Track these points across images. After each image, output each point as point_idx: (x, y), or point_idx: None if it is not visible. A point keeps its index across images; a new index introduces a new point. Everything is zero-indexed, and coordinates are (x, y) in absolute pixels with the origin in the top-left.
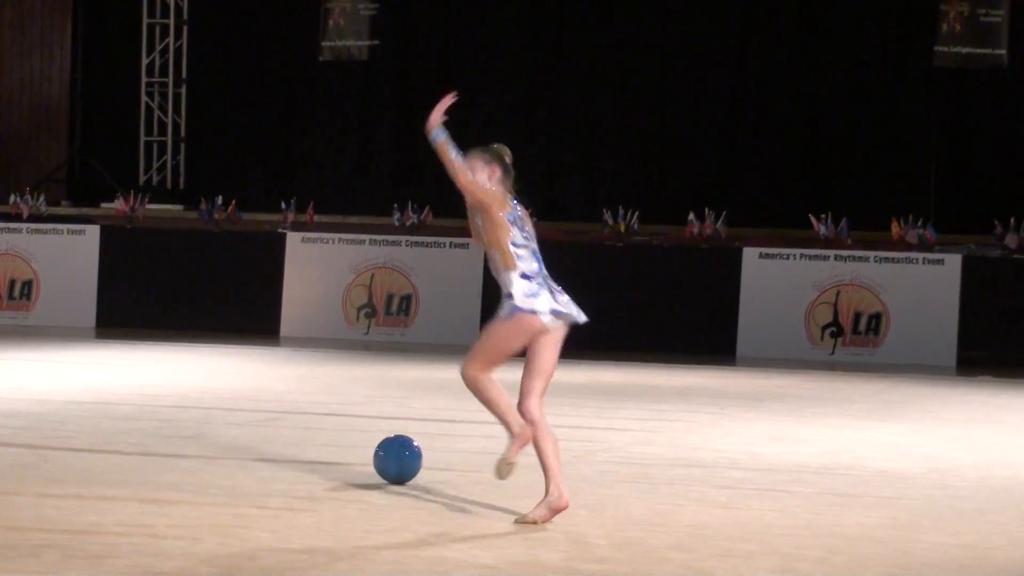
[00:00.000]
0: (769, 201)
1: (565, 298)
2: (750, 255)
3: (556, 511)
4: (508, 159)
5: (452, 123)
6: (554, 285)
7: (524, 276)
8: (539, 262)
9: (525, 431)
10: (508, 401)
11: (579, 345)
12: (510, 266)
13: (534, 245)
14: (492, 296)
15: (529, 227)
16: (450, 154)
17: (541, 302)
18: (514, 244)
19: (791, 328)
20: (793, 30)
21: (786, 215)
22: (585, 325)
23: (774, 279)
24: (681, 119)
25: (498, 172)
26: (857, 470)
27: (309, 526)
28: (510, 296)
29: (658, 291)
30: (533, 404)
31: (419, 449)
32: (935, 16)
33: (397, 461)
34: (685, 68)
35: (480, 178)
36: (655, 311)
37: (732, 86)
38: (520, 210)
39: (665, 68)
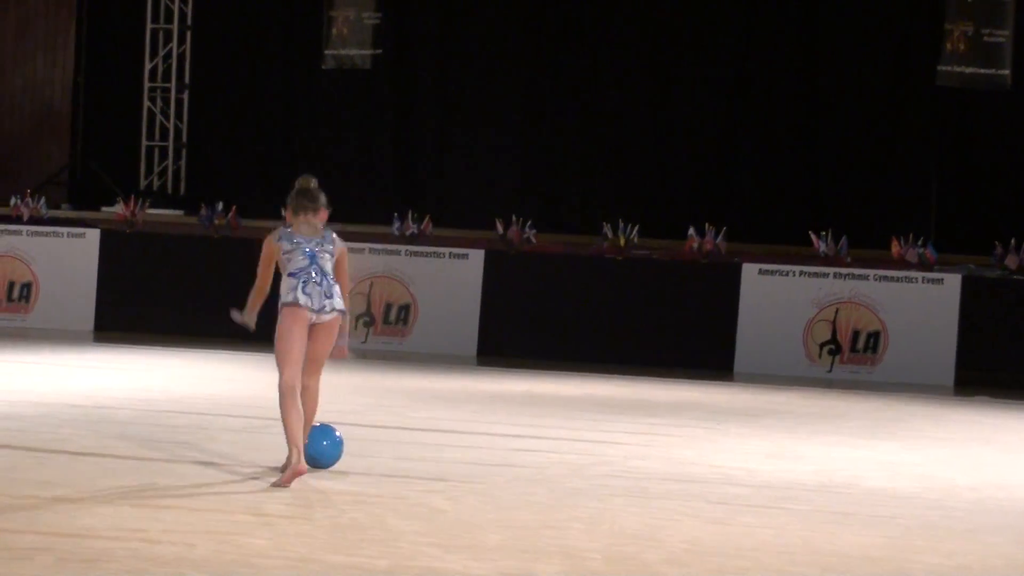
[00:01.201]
0: (769, 217)
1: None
2: (749, 271)
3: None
4: (298, 190)
5: (452, 130)
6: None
7: (291, 275)
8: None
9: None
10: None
11: (576, 358)
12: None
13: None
14: (491, 306)
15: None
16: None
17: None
18: (284, 252)
19: (789, 345)
20: (795, 46)
21: (786, 232)
22: (583, 338)
23: (773, 295)
24: (682, 134)
25: (289, 211)
26: (853, 488)
27: (304, 534)
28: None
29: (656, 305)
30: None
31: (339, 438)
32: (939, 35)
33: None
34: (687, 83)
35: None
36: (653, 325)
37: (734, 102)
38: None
39: (667, 83)
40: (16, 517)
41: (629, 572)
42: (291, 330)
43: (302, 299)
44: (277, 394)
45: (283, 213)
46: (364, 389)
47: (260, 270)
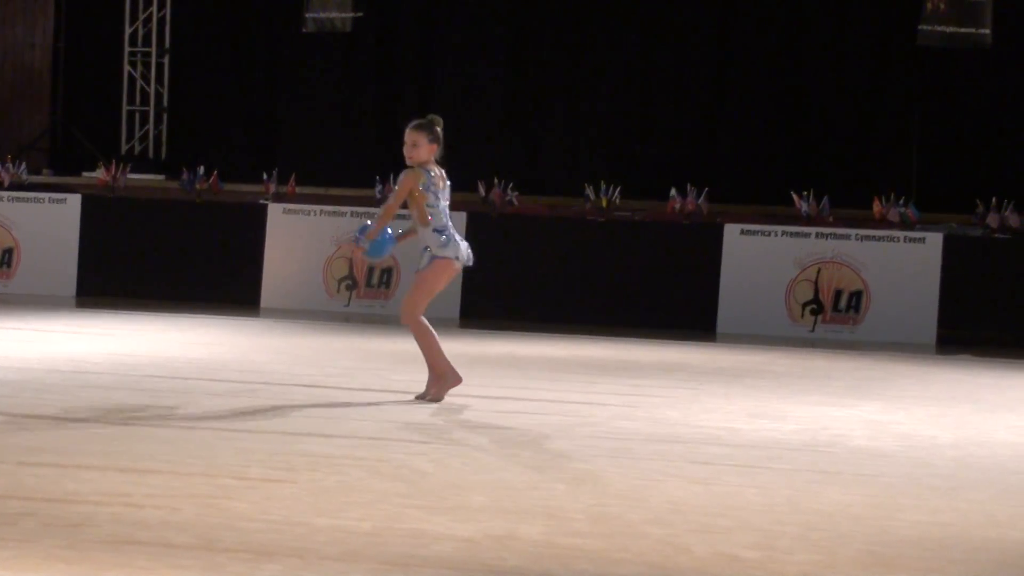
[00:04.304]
0: (751, 178)
1: (465, 244)
2: (731, 231)
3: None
4: (439, 129)
5: (435, 93)
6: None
7: (435, 231)
8: (447, 218)
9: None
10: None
11: (560, 320)
12: (424, 223)
13: (444, 204)
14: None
15: (443, 189)
16: (384, 214)
17: (451, 250)
18: (428, 205)
19: (772, 305)
20: (777, 6)
21: (768, 192)
22: (567, 300)
23: (755, 256)
24: (664, 94)
25: (423, 141)
26: (836, 447)
27: (288, 497)
28: (427, 248)
29: (639, 267)
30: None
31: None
32: None
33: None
34: (669, 43)
35: (419, 155)
36: (636, 286)
37: (716, 62)
38: (435, 174)
39: (650, 43)
40: (1, 483)
41: (613, 532)
42: (440, 282)
43: (466, 257)
44: (415, 329)
45: (423, 144)
46: (347, 352)
47: (393, 201)
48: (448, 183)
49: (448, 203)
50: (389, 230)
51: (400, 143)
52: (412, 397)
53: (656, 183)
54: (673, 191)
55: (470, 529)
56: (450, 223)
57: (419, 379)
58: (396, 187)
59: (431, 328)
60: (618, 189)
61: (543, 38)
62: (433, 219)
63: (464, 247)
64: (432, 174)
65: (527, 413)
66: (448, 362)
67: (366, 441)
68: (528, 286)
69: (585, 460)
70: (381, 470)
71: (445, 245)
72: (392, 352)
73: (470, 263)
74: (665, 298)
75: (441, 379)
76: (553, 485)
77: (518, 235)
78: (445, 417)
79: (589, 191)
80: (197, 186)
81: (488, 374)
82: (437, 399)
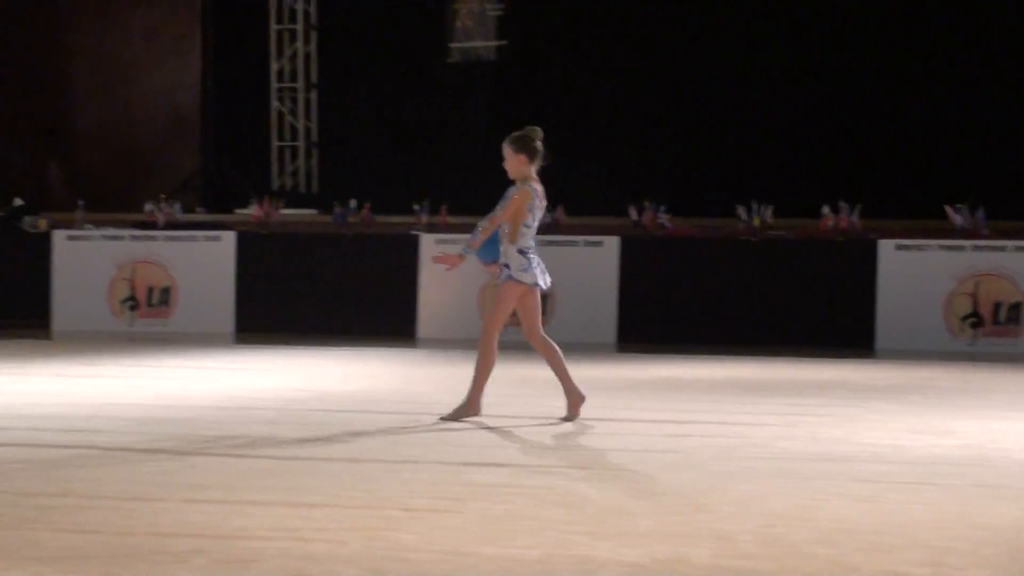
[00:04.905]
0: (904, 192)
1: (541, 269)
2: (886, 247)
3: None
4: (534, 141)
5: (582, 118)
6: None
7: (519, 251)
8: (534, 240)
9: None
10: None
11: (716, 341)
12: (513, 240)
13: (535, 225)
14: (629, 292)
15: (540, 210)
16: (487, 227)
17: (529, 276)
18: (525, 225)
19: (930, 319)
20: (933, 19)
21: (922, 206)
22: (723, 321)
23: (911, 271)
24: (814, 113)
25: (509, 153)
26: (1003, 461)
27: (454, 527)
28: (507, 266)
29: (794, 285)
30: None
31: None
32: None
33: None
34: (816, 61)
35: (511, 168)
36: (791, 305)
37: (866, 79)
38: (539, 193)
39: (796, 63)
40: (169, 520)
41: (781, 553)
42: (512, 304)
43: (543, 284)
44: (485, 347)
45: (511, 163)
46: (503, 380)
47: (502, 215)
48: (545, 203)
49: (538, 224)
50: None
51: (545, 170)
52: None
53: (808, 201)
54: (826, 208)
55: (638, 554)
56: (534, 244)
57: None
58: (505, 201)
59: (496, 354)
60: (770, 208)
61: (690, 60)
62: (521, 239)
63: (540, 273)
64: (537, 197)
65: (688, 436)
66: (481, 394)
67: (529, 469)
68: (683, 308)
69: (749, 481)
70: (546, 497)
71: (525, 270)
72: (548, 379)
73: (546, 288)
74: (822, 316)
75: (468, 404)
76: (718, 507)
77: (671, 258)
78: (606, 442)
79: (741, 211)
80: (349, 219)
81: (647, 397)
82: (453, 418)
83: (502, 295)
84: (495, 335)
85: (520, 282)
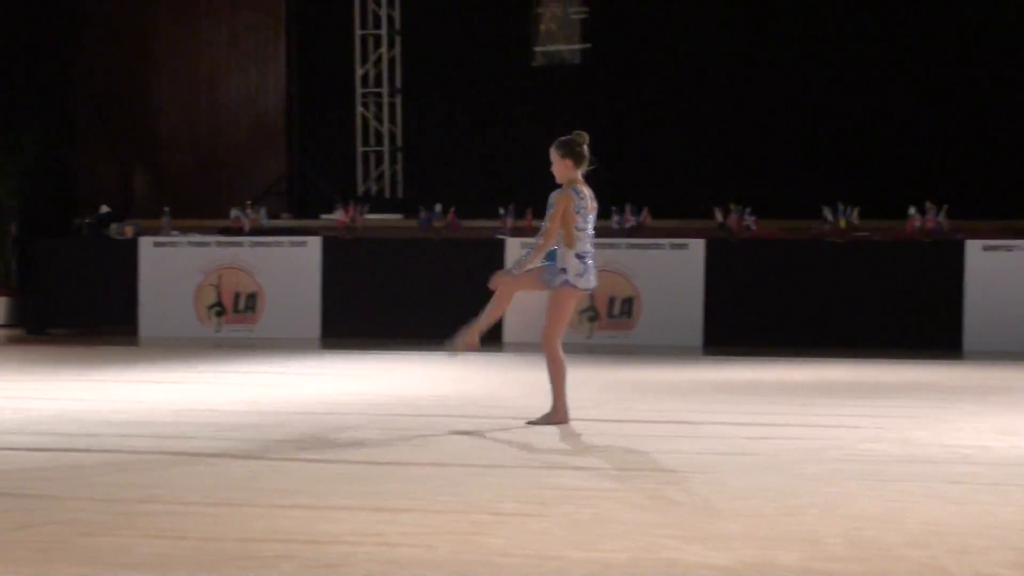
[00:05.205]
0: (992, 192)
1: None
2: (973, 247)
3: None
4: (579, 146)
5: (666, 121)
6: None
7: (577, 256)
8: (591, 244)
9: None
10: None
11: (802, 343)
12: (570, 245)
13: (590, 228)
14: (713, 295)
15: (591, 212)
16: (542, 243)
17: (587, 280)
18: (577, 228)
19: (1018, 320)
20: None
21: (1008, 206)
22: (808, 323)
23: (999, 271)
24: (898, 113)
25: (556, 157)
26: None
27: (542, 531)
28: (564, 271)
29: (880, 287)
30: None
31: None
32: None
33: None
34: (900, 62)
35: (557, 172)
36: (878, 307)
37: (950, 79)
38: (585, 196)
39: (881, 63)
40: (258, 526)
41: (871, 556)
42: (570, 308)
43: (594, 285)
44: (551, 357)
45: (557, 167)
46: (592, 383)
47: (551, 225)
48: (596, 207)
49: (593, 227)
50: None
51: (631, 173)
52: (527, 422)
53: (894, 202)
54: (912, 209)
55: (727, 557)
56: (591, 247)
57: (661, 408)
58: (550, 209)
59: (564, 361)
60: (856, 209)
61: (773, 61)
62: (578, 243)
63: (595, 275)
64: (582, 196)
65: (775, 438)
66: (565, 400)
67: (615, 472)
68: (769, 310)
69: (836, 483)
70: (632, 500)
71: (582, 275)
72: (636, 381)
73: (593, 288)
74: (908, 317)
75: (553, 413)
76: (806, 510)
77: (757, 260)
78: (693, 445)
79: (827, 212)
80: (435, 224)
81: (734, 400)
82: (540, 423)
83: (560, 300)
84: (557, 341)
85: (577, 287)
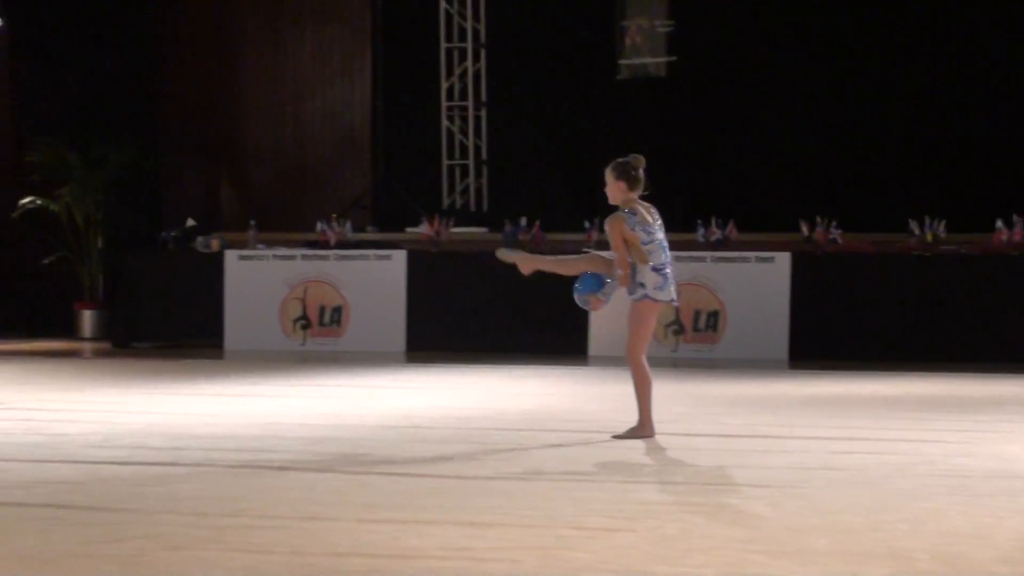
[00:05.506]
0: None
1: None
2: None
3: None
4: (635, 170)
5: (752, 134)
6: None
7: (654, 269)
8: (666, 254)
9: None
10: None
11: (889, 357)
12: (643, 260)
13: (660, 236)
14: (800, 309)
15: (653, 223)
16: (622, 268)
17: (666, 293)
18: (642, 243)
19: None
20: None
21: None
22: (896, 336)
23: None
24: (984, 126)
25: (610, 179)
26: None
27: (628, 546)
28: (642, 284)
29: (968, 300)
30: None
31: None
32: None
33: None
34: (987, 75)
35: (611, 194)
36: (966, 320)
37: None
38: (640, 211)
39: (967, 76)
40: (343, 540)
41: (960, 572)
42: (652, 321)
43: (674, 297)
44: (636, 371)
45: (611, 189)
46: (678, 397)
47: (619, 255)
48: (658, 217)
49: (663, 237)
50: (608, 279)
51: (717, 186)
52: (612, 436)
53: (981, 215)
54: (999, 222)
55: (814, 572)
56: (668, 257)
57: (748, 422)
58: (609, 238)
59: (649, 375)
60: (943, 223)
61: (860, 75)
62: (652, 256)
63: (675, 287)
64: (634, 212)
65: (863, 453)
66: (651, 414)
67: (702, 486)
68: (855, 324)
69: (925, 499)
70: (719, 515)
71: (661, 288)
72: (721, 395)
73: (676, 302)
74: (997, 331)
75: (640, 427)
76: (895, 525)
77: (843, 273)
78: (779, 460)
79: (913, 226)
80: (520, 237)
81: (821, 414)
82: (627, 437)
83: (641, 314)
84: (641, 355)
85: (657, 300)
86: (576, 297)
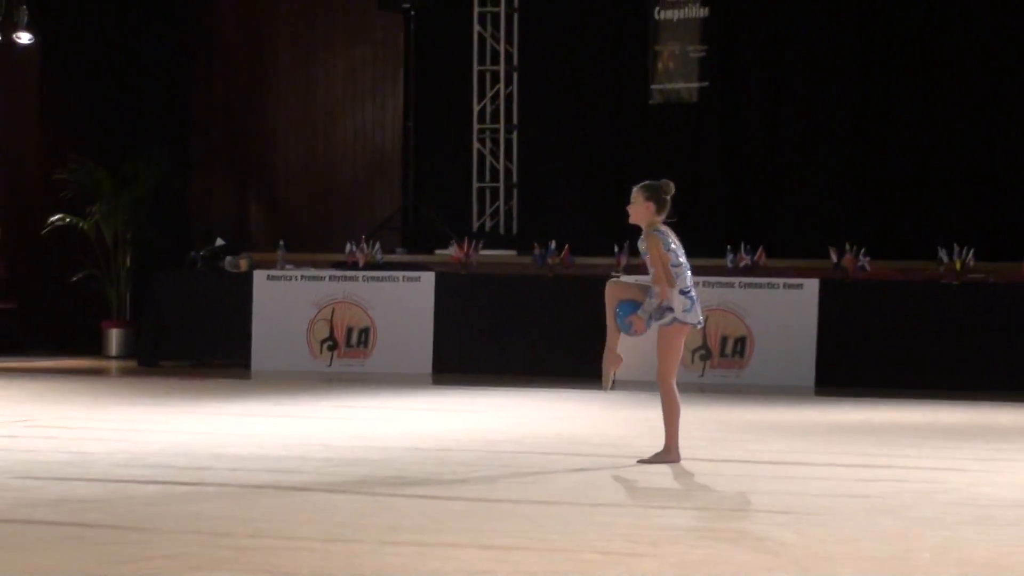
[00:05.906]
0: None
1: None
2: None
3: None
4: (665, 195)
5: (782, 160)
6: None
7: (682, 292)
8: (690, 279)
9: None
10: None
11: (915, 384)
12: (671, 284)
13: (684, 261)
14: (827, 336)
15: (679, 247)
16: (662, 286)
17: (693, 315)
18: (673, 265)
19: None
20: None
21: None
22: (922, 364)
23: None
24: (1013, 154)
25: (639, 199)
26: None
27: (652, 571)
28: (670, 309)
29: (995, 329)
30: None
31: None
32: None
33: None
34: (1017, 108)
35: (636, 213)
36: (993, 349)
37: None
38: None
39: (997, 105)
40: (367, 563)
41: None
42: (680, 344)
43: (700, 320)
44: (667, 395)
45: (638, 208)
46: (704, 422)
47: (661, 271)
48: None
49: (686, 261)
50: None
51: (746, 212)
52: (638, 461)
53: (1010, 244)
54: None
55: None
56: (691, 282)
57: (774, 448)
58: (645, 255)
59: (679, 400)
60: (971, 251)
61: (889, 104)
62: (679, 280)
63: (700, 309)
64: (666, 233)
65: (886, 480)
66: (677, 439)
67: (727, 512)
68: (883, 351)
69: (948, 528)
70: (743, 542)
71: (689, 310)
72: (748, 421)
73: (701, 324)
74: (1023, 360)
75: (666, 452)
76: (918, 554)
77: (871, 300)
78: (804, 486)
79: (942, 254)
80: (549, 260)
81: (845, 441)
82: (652, 462)
83: (671, 339)
84: (672, 380)
85: (686, 323)
86: (619, 323)
